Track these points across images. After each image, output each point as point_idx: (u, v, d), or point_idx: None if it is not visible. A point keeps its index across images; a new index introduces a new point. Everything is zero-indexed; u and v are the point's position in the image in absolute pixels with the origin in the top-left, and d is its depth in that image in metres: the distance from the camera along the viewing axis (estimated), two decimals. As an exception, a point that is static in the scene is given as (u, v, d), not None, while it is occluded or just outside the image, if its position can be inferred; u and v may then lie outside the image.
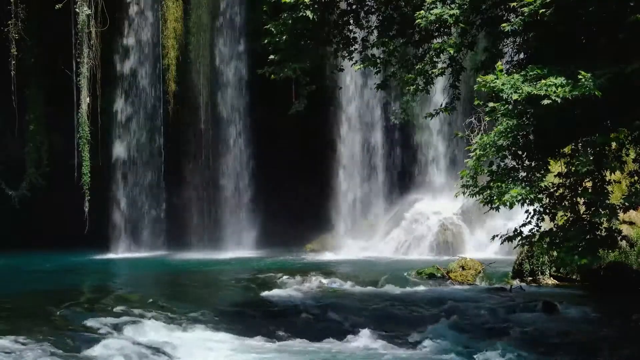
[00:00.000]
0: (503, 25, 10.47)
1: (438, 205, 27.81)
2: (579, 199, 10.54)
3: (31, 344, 11.66)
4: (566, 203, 10.64)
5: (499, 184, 10.04)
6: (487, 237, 21.67)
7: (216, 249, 28.71)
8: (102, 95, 29.40)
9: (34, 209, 30.03)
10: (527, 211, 10.79)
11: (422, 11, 11.18)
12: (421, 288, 18.15)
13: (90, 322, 13.37)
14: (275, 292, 17.41)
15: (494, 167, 10.42)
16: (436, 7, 11.04)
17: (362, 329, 13.43)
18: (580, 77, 9.02)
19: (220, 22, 30.19)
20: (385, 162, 30.19)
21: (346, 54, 13.79)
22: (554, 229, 10.75)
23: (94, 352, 11.61)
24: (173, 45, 30.30)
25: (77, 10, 28.09)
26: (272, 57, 13.11)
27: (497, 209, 10.19)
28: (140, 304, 15.21)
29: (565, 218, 10.78)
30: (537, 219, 11.04)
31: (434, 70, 12.14)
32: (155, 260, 27.25)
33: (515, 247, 12.34)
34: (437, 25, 11.60)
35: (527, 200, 9.86)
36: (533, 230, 11.04)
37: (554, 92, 9.13)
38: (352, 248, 27.49)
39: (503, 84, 9.65)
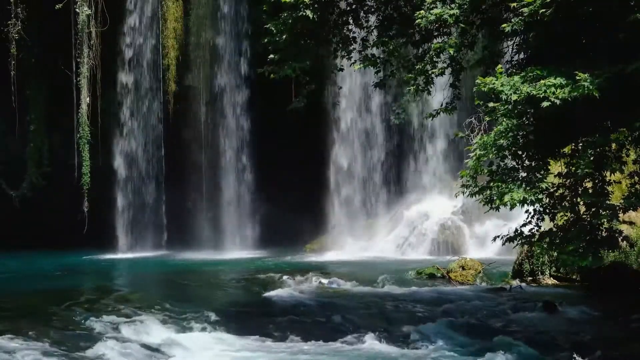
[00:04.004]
0: (503, 25, 10.47)
1: (438, 205, 27.81)
2: (579, 199, 10.53)
3: (31, 344, 11.64)
4: (566, 203, 10.63)
5: (499, 184, 10.05)
6: (487, 237, 21.69)
7: (216, 249, 28.72)
8: (102, 95, 29.42)
9: (34, 209, 30.04)
10: (527, 211, 10.79)
11: (422, 11, 11.19)
12: (421, 288, 18.13)
13: (90, 322, 13.35)
14: (275, 292, 17.39)
15: (494, 167, 10.43)
16: (436, 7, 11.05)
17: (362, 328, 13.44)
18: (578, 77, 9.03)
19: (220, 21, 30.20)
20: (385, 161, 30.18)
21: (346, 54, 13.79)
22: (554, 229, 10.75)
23: (94, 352, 11.59)
24: (173, 45, 30.32)
25: (77, 10, 28.13)
26: (272, 56, 13.12)
27: (497, 209, 10.20)
28: (141, 304, 15.19)
29: (566, 218, 10.77)
30: (537, 219, 11.05)
31: (434, 70, 12.14)
32: (155, 260, 27.25)
33: (514, 247, 12.35)
34: (437, 25, 11.61)
35: (527, 202, 9.86)
36: (533, 231, 11.05)
37: (553, 93, 9.14)
38: (352, 248, 27.47)
39: (502, 85, 9.66)
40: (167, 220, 30.83)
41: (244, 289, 18.70)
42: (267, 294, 17.14)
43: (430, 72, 12.17)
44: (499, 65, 10.60)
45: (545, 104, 9.20)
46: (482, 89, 9.95)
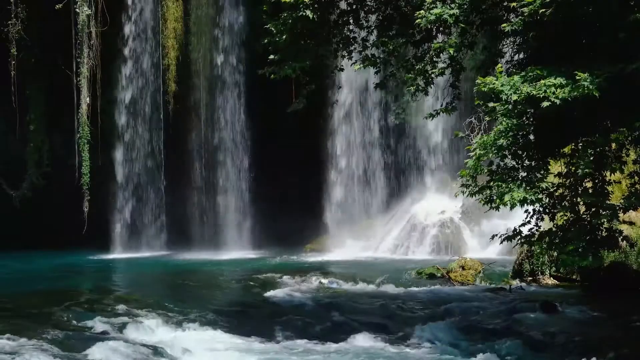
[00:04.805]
0: (503, 25, 10.49)
1: (438, 205, 27.81)
2: (579, 199, 10.54)
3: (31, 344, 11.62)
4: (566, 203, 10.64)
5: (499, 183, 10.06)
6: (487, 237, 21.66)
7: (216, 249, 28.70)
8: (102, 95, 29.41)
9: (34, 209, 30.04)
10: (526, 211, 10.80)
11: (422, 11, 11.19)
12: (421, 288, 18.12)
13: (90, 322, 13.36)
14: (275, 292, 17.39)
15: (494, 167, 10.43)
16: (436, 7, 11.05)
17: (362, 328, 13.43)
18: (578, 77, 9.04)
19: (220, 21, 30.20)
20: (384, 161, 30.17)
21: (346, 54, 13.80)
22: (554, 229, 10.75)
23: (94, 352, 11.58)
24: (173, 45, 30.30)
25: (77, 10, 28.12)
26: (272, 56, 13.12)
27: (497, 208, 10.21)
28: (140, 304, 15.19)
29: (566, 218, 10.78)
30: (537, 218, 11.05)
31: (434, 70, 12.15)
32: (155, 260, 27.25)
33: (514, 247, 12.34)
34: (437, 25, 11.61)
35: (527, 201, 9.87)
36: (532, 230, 11.05)
37: (553, 93, 9.15)
38: (352, 248, 27.45)
39: (502, 85, 9.66)
40: (167, 220, 30.84)
41: (244, 289, 18.70)
42: (267, 294, 17.13)
43: (430, 72, 12.18)
44: (499, 65, 10.60)
45: (545, 103, 9.20)
46: (482, 89, 9.95)
